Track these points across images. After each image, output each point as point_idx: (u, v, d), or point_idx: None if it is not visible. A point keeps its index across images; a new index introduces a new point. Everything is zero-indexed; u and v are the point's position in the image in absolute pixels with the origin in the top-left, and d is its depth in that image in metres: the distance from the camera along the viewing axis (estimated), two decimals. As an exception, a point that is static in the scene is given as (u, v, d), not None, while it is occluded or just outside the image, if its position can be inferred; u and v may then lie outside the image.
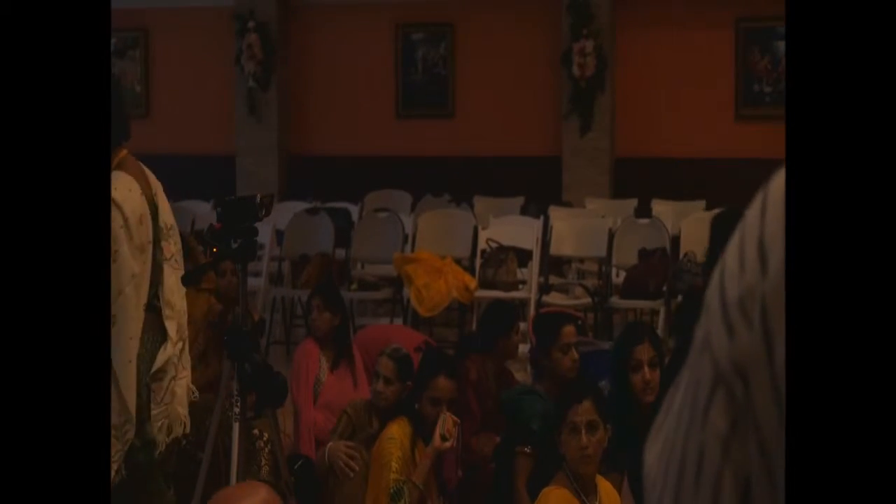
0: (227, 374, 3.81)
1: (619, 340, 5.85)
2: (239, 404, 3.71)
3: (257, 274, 10.26)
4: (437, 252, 10.24)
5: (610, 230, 10.40)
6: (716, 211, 8.96)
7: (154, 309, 3.73)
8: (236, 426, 3.70)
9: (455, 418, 5.65)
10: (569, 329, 5.84)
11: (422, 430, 5.32)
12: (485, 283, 9.90)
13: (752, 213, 1.12)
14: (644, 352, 5.42)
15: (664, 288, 9.37)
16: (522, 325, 7.60)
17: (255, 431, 5.51)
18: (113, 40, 14.11)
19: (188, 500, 4.06)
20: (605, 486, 4.65)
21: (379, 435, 5.47)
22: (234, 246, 3.93)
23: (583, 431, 4.46)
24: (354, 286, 10.34)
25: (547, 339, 6.06)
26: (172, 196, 13.21)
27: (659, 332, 9.00)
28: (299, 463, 6.45)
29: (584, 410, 4.50)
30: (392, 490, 5.24)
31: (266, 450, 6.14)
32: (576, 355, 5.76)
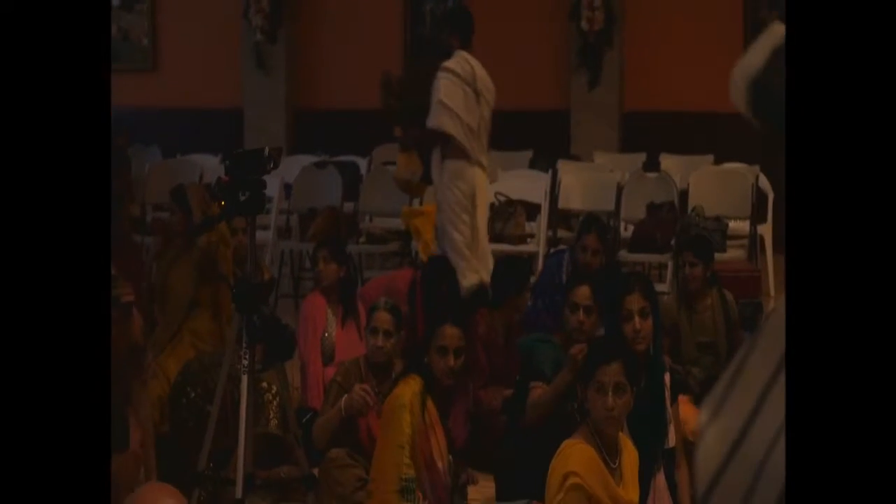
0: (235, 326, 3.82)
1: (612, 291, 5.86)
2: (247, 357, 3.73)
3: (265, 227, 10.27)
4: (444, 206, 10.22)
5: (618, 184, 10.40)
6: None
7: None
8: (245, 379, 3.71)
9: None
10: (582, 290, 5.81)
11: (431, 385, 5.31)
12: (493, 237, 9.90)
13: None
14: (634, 301, 5.46)
15: (672, 242, 9.37)
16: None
17: (264, 384, 5.52)
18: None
19: (196, 454, 4.09)
20: (627, 446, 4.63)
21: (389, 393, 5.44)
22: (243, 199, 3.94)
23: (609, 393, 4.45)
24: (363, 239, 10.35)
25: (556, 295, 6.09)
26: (181, 149, 13.18)
27: (666, 286, 9.03)
28: (307, 416, 6.48)
29: (613, 372, 4.48)
30: (402, 486, 5.22)
31: (274, 403, 6.16)
32: (583, 317, 5.73)
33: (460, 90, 7.71)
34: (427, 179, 8.23)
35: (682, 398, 5.65)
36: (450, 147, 7.74)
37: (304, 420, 6.38)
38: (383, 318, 6.03)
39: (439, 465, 5.32)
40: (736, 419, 1.20)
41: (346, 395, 5.95)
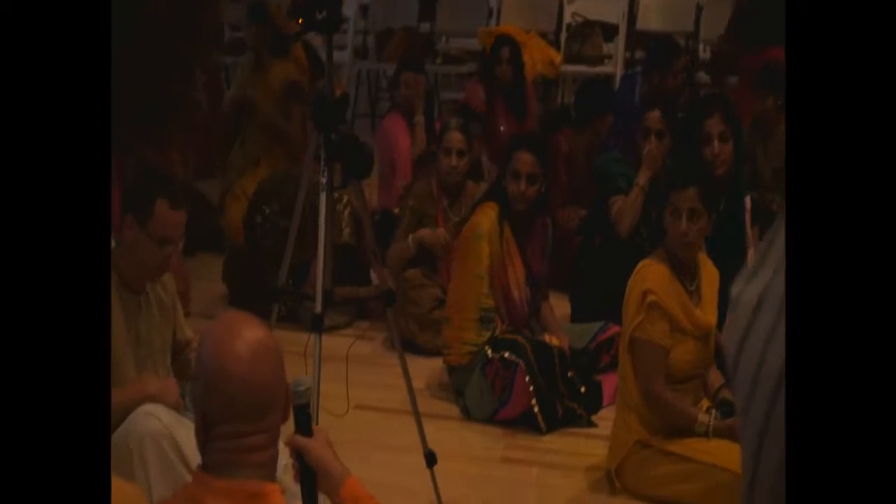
0: (313, 144, 3.84)
1: (692, 112, 5.81)
2: (325, 175, 3.75)
3: (342, 48, 10.23)
4: (521, 26, 10.10)
5: (698, 3, 10.19)
6: None
7: None
8: (323, 196, 3.74)
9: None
10: (654, 114, 5.77)
11: (507, 211, 5.32)
12: (570, 58, 9.81)
13: None
14: (714, 125, 5.40)
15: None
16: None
17: (335, 195, 5.56)
18: None
19: (274, 271, 4.15)
20: (707, 266, 4.62)
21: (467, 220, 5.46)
22: (320, 17, 3.92)
23: (683, 217, 4.43)
24: (439, 60, 10.30)
25: (631, 119, 6.05)
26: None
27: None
28: (379, 215, 6.58)
29: (688, 197, 4.45)
30: (481, 315, 5.27)
31: (346, 212, 6.24)
32: (654, 142, 5.70)
33: None
34: None
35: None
36: None
37: (376, 218, 6.47)
38: (456, 138, 6.03)
39: (515, 294, 5.35)
40: (768, 269, 1.22)
41: (418, 234, 6.01)
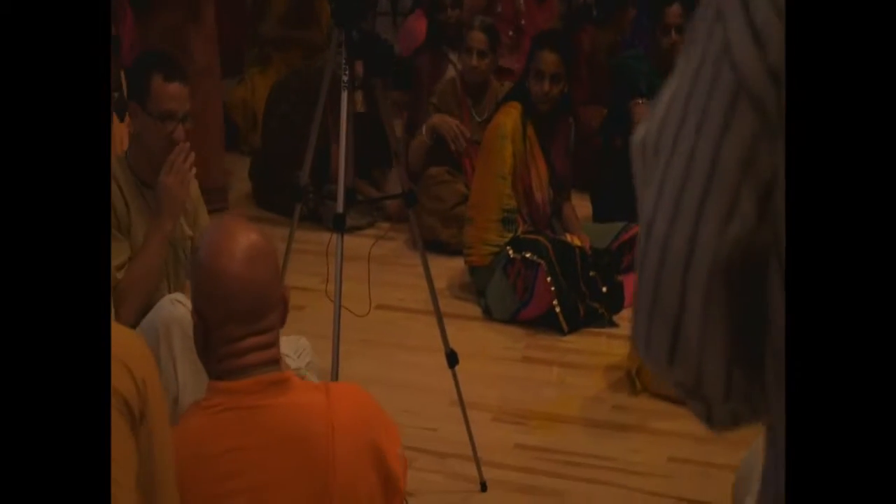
0: (335, 41, 3.80)
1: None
2: (346, 72, 3.71)
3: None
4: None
5: None
6: None
7: None
8: (344, 94, 3.71)
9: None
10: (674, 9, 5.69)
11: (531, 110, 5.28)
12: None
13: None
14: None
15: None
16: None
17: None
18: None
19: (290, 170, 4.14)
20: None
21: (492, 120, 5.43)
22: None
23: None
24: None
25: (651, 14, 5.96)
26: None
27: None
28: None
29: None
30: (503, 216, 5.24)
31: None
32: (675, 37, 5.63)
33: None
34: None
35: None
36: None
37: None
38: (478, 38, 5.98)
39: (538, 195, 5.34)
40: None
41: (430, 121, 5.98)
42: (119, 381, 1.90)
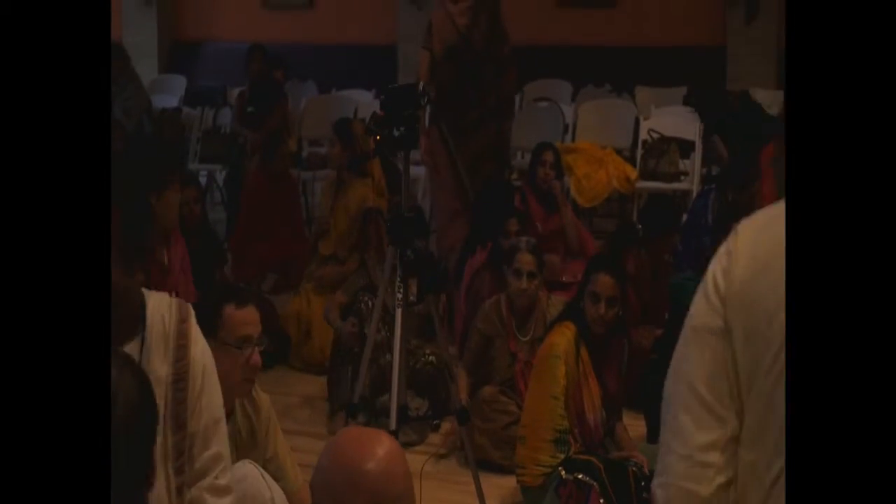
0: (389, 260, 3.85)
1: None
2: (401, 290, 3.76)
3: (418, 163, 10.32)
4: (597, 142, 10.16)
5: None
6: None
7: None
8: (399, 311, 3.74)
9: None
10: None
11: (585, 332, 5.24)
12: (646, 174, 9.82)
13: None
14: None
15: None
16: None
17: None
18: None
19: (353, 383, 4.15)
20: None
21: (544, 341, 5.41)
22: (397, 134, 3.95)
23: None
24: (515, 176, 10.33)
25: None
26: (336, 86, 13.18)
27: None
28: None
29: None
30: (556, 437, 5.19)
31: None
32: None
33: None
34: None
35: None
36: None
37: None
38: (527, 260, 5.97)
39: (590, 416, 5.27)
40: None
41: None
42: None
